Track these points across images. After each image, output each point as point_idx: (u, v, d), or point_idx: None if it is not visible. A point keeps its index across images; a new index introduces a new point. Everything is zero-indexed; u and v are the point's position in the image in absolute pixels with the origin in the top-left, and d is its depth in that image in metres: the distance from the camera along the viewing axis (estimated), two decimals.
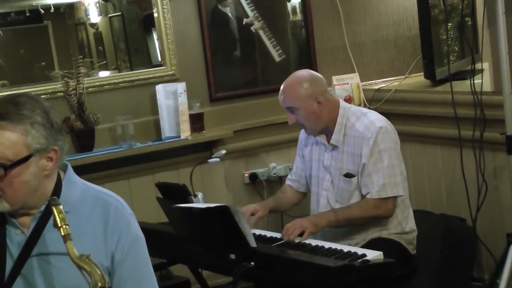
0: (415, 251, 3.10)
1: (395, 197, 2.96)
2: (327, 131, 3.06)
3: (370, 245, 2.92)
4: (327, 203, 3.08)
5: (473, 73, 3.41)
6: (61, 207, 1.75)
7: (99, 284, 1.72)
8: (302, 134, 3.26)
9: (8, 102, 1.86)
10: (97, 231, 1.93)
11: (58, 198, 1.89)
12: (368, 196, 2.95)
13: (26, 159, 1.83)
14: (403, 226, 3.05)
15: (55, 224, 1.73)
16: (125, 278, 1.95)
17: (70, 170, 2.00)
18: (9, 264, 1.88)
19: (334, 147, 3.05)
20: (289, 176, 3.37)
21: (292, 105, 3.00)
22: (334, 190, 3.07)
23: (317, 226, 2.93)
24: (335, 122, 3.03)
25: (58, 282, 1.88)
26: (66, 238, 1.73)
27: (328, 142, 3.07)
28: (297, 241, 2.87)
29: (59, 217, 1.73)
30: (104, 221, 1.94)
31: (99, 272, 1.73)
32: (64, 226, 1.73)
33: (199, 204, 3.09)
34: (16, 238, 1.90)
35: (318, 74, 3.12)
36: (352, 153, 3.00)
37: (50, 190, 1.91)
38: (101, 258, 1.88)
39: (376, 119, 3.01)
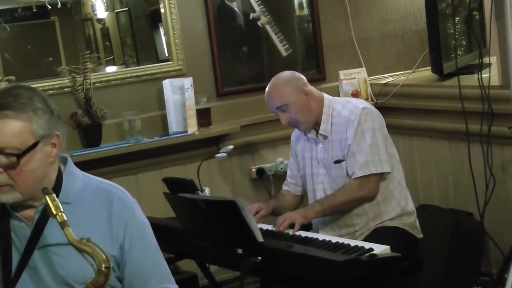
0: (421, 235, 3.12)
1: (378, 176, 3.01)
2: (316, 125, 3.12)
3: (374, 236, 2.96)
4: (324, 195, 3.13)
5: (480, 67, 3.40)
6: (54, 195, 1.76)
7: (103, 265, 1.72)
8: (293, 136, 3.33)
9: (5, 94, 1.87)
10: (101, 221, 1.94)
11: (60, 190, 1.92)
12: (352, 177, 3.00)
13: (33, 146, 1.85)
14: (402, 205, 3.09)
15: (49, 213, 1.75)
16: (137, 266, 1.97)
17: (70, 162, 2.01)
18: (15, 257, 1.90)
19: (324, 138, 3.11)
20: (285, 182, 3.41)
21: (281, 103, 3.07)
22: (329, 180, 3.11)
23: (306, 218, 3.01)
24: (322, 114, 3.10)
25: (65, 272, 1.90)
26: (63, 224, 1.74)
27: (318, 134, 3.12)
28: (286, 231, 2.95)
29: (53, 205, 1.74)
30: (107, 211, 1.95)
31: (102, 254, 1.73)
32: (59, 214, 1.74)
33: (205, 195, 3.11)
34: (21, 231, 1.92)
35: (296, 72, 3.22)
36: (340, 139, 3.07)
37: (54, 179, 1.93)
38: (107, 247, 1.88)
39: (359, 102, 3.15)
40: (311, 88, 3.14)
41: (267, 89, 3.15)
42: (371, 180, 3.00)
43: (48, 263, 1.90)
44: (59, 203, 1.75)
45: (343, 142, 3.05)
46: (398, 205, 3.08)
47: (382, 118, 3.12)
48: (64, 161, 2.00)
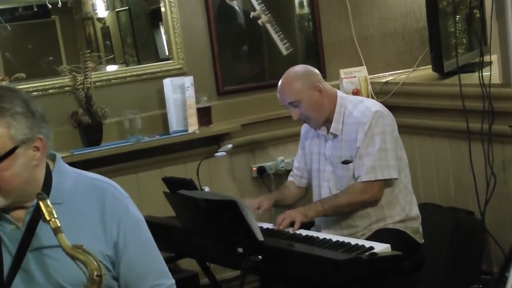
0: (423, 240, 3.11)
1: (383, 181, 2.98)
2: (327, 122, 3.10)
3: (375, 236, 2.94)
4: (329, 193, 3.11)
5: (481, 65, 3.39)
6: (48, 201, 1.74)
7: (95, 273, 1.71)
8: (303, 129, 3.31)
9: None
10: (94, 219, 1.91)
11: (49, 189, 1.89)
12: (358, 180, 2.98)
13: (12, 151, 1.82)
14: (407, 211, 3.07)
15: (43, 219, 1.72)
16: (133, 263, 1.94)
17: (59, 159, 1.98)
18: (7, 260, 1.87)
19: (334, 136, 3.09)
20: (291, 173, 3.40)
21: (294, 99, 3.05)
22: (335, 179, 3.10)
23: (306, 216, 3.00)
24: (334, 112, 3.07)
25: (60, 275, 1.88)
26: (56, 231, 1.72)
27: (328, 132, 3.10)
28: (287, 230, 2.94)
29: (47, 211, 1.73)
30: (100, 208, 1.92)
31: (95, 262, 1.72)
32: (53, 220, 1.72)
33: (205, 193, 3.10)
34: (12, 234, 1.89)
35: (311, 66, 3.18)
36: (349, 140, 3.04)
37: (42, 180, 1.90)
38: (101, 246, 1.88)
39: (371, 104, 3.09)
40: (324, 84, 3.10)
41: (280, 83, 3.11)
42: (375, 185, 2.97)
43: (42, 265, 1.87)
44: (53, 208, 1.73)
45: (352, 143, 3.02)
46: (402, 210, 3.05)
47: (394, 120, 3.08)
48: (52, 157, 1.97)
